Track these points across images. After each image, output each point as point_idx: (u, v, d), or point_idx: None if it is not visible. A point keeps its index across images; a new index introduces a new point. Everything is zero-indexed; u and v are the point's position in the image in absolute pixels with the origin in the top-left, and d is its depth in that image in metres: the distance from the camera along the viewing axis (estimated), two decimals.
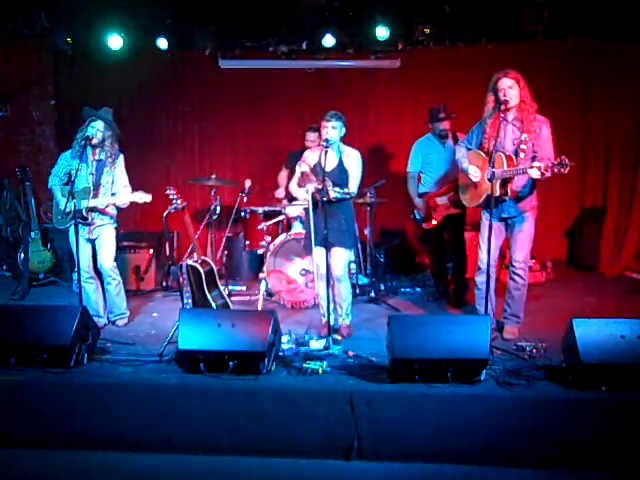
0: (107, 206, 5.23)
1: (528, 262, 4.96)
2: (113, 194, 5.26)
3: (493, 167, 4.46)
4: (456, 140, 5.91)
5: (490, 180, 4.47)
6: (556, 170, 4.18)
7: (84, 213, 5.11)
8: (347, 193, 4.83)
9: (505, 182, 4.62)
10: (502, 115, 4.60)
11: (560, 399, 3.72)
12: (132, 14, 6.85)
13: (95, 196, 5.17)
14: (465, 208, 5.62)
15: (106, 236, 5.28)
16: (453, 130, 6.03)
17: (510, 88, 4.58)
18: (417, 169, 6.11)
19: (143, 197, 5.15)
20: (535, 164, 4.34)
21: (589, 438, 3.59)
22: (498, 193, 4.58)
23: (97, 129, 5.16)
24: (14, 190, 7.36)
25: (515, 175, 4.55)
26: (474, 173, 4.79)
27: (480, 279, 4.86)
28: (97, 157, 5.23)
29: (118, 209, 5.34)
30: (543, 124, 4.63)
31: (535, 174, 4.31)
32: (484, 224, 4.75)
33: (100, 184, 5.20)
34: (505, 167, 4.54)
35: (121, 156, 5.33)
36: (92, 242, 5.29)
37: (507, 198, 4.68)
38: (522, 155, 4.58)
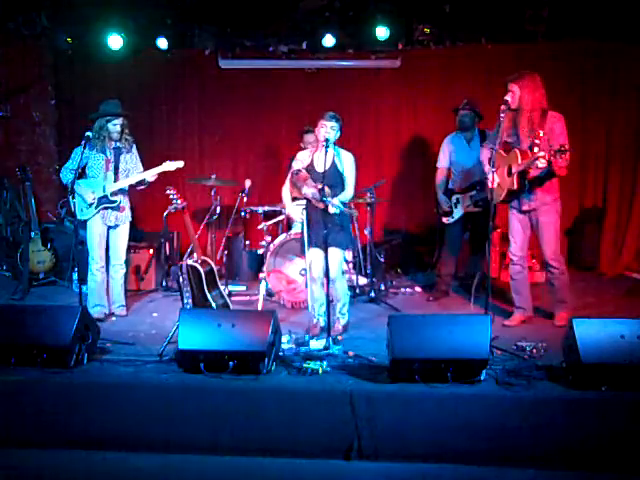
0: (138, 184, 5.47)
1: (559, 253, 5.10)
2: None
3: (493, 166, 4.59)
4: (483, 138, 5.98)
5: (509, 175, 4.76)
6: (559, 157, 4.44)
7: (110, 198, 5.38)
8: (346, 206, 4.89)
9: (521, 176, 4.81)
10: (511, 113, 4.81)
11: (560, 399, 3.72)
12: (132, 14, 6.84)
13: (116, 180, 5.43)
14: (487, 207, 5.71)
15: (126, 225, 5.58)
16: (482, 128, 6.07)
17: (513, 94, 4.79)
18: (444, 165, 6.23)
19: (173, 164, 5.40)
20: (540, 154, 4.55)
21: (589, 438, 3.59)
22: (515, 187, 4.83)
23: (119, 124, 5.41)
24: (14, 190, 7.35)
25: (526, 168, 4.75)
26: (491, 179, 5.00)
27: (513, 270, 5.19)
28: (114, 145, 5.47)
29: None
30: (556, 120, 4.82)
31: (542, 163, 4.58)
32: (510, 218, 5.11)
33: (119, 169, 5.46)
34: (519, 161, 4.73)
35: (134, 145, 5.59)
36: (109, 230, 5.51)
37: (526, 191, 4.89)
38: (536, 149, 4.71)
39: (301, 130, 6.55)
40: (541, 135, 4.73)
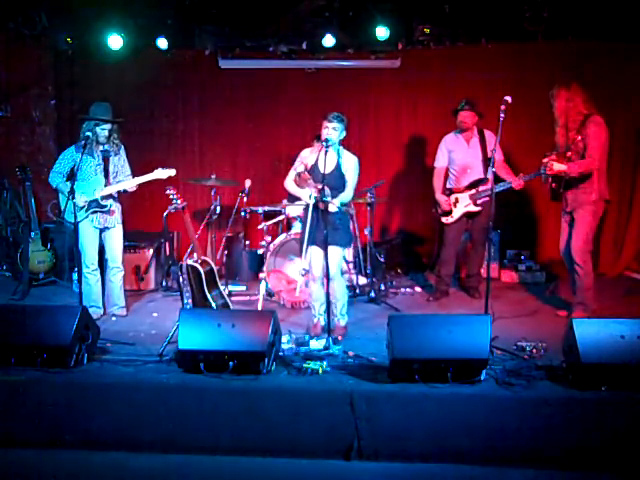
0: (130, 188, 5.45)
1: (586, 252, 5.18)
2: (119, 182, 5.49)
3: (492, 166, 4.76)
4: (482, 137, 5.96)
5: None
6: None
7: (101, 202, 5.38)
8: (345, 206, 4.90)
9: (557, 178, 5.14)
10: (555, 119, 5.15)
11: (560, 399, 3.72)
12: (132, 14, 6.84)
13: (106, 184, 5.42)
14: (488, 207, 5.76)
15: (118, 228, 5.56)
16: (481, 127, 6.06)
17: (554, 102, 5.13)
18: (442, 165, 6.21)
19: (165, 172, 5.35)
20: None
21: (589, 438, 3.59)
22: (552, 186, 5.25)
23: (107, 129, 5.40)
24: (14, 190, 7.35)
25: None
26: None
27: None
28: (102, 147, 5.45)
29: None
30: (592, 125, 5.02)
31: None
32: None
33: (109, 172, 5.45)
34: (555, 165, 5.04)
35: (122, 147, 5.56)
36: (101, 233, 5.50)
37: (561, 192, 5.18)
38: (569, 154, 5.06)
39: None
40: (579, 139, 5.01)
